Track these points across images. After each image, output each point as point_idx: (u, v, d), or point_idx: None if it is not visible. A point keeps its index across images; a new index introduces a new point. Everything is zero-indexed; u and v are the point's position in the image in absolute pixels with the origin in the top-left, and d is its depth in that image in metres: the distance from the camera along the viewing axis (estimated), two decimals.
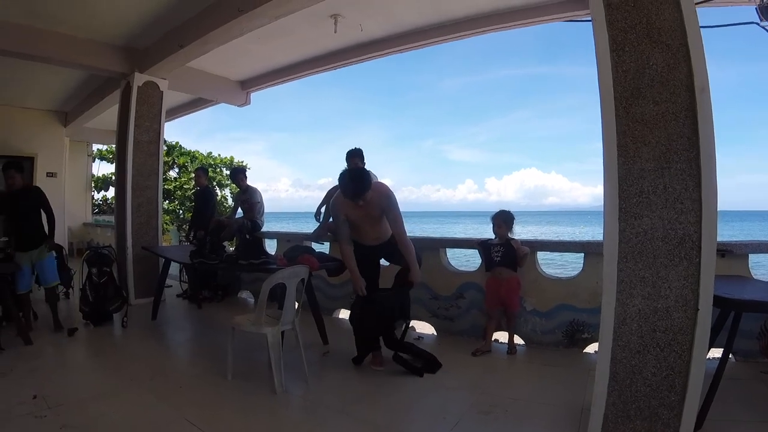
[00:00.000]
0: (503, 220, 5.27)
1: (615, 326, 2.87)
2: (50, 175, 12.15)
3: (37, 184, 11.40)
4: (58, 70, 8.80)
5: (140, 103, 7.95)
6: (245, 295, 8.31)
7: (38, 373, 4.77)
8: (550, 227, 74.06)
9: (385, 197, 4.55)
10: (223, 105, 10.70)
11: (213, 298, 7.91)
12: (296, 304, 4.39)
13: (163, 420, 3.71)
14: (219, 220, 7.83)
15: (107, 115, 11.09)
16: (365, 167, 6.12)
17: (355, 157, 6.03)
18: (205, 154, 16.94)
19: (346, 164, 5.93)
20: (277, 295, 4.41)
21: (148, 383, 4.47)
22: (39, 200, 5.95)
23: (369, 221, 4.59)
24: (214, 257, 5.48)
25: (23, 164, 5.93)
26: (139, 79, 7.91)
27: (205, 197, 8.35)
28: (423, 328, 6.04)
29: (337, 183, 6.25)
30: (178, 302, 7.96)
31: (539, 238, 6.02)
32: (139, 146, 7.94)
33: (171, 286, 8.19)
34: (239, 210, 8.05)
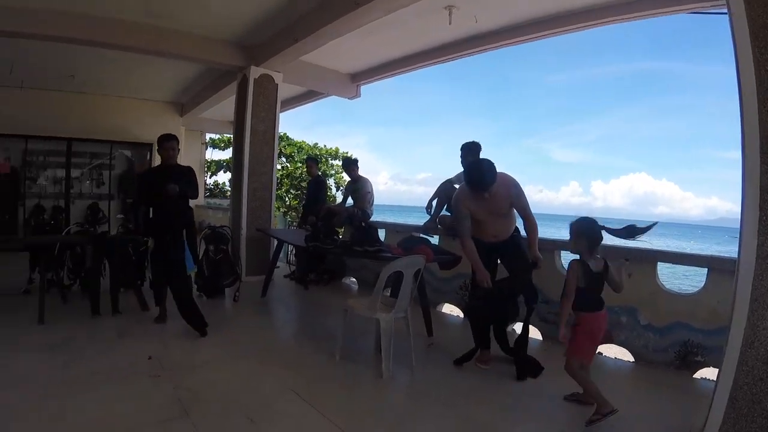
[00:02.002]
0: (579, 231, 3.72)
1: (742, 348, 2.68)
2: None
3: None
4: (176, 65, 9.47)
5: (256, 94, 8.35)
6: (349, 281, 8.52)
7: (153, 337, 5.20)
8: (660, 240, 69.74)
9: (513, 186, 4.44)
10: (325, 99, 11.14)
11: (319, 282, 8.16)
12: (411, 294, 4.43)
13: (270, 390, 3.93)
14: (329, 208, 8.06)
15: (221, 106, 12.03)
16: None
17: (470, 150, 5.93)
18: (311, 145, 17.34)
19: (460, 158, 5.92)
20: (391, 283, 4.46)
21: (257, 355, 4.75)
22: (191, 181, 5.67)
23: (492, 216, 4.46)
24: (328, 242, 5.63)
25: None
26: (255, 72, 8.30)
27: (318, 186, 8.72)
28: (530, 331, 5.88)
29: (446, 179, 6.39)
30: (285, 282, 8.31)
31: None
32: (256, 135, 8.37)
33: (279, 267, 8.45)
34: (349, 199, 8.26)
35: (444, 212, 6.47)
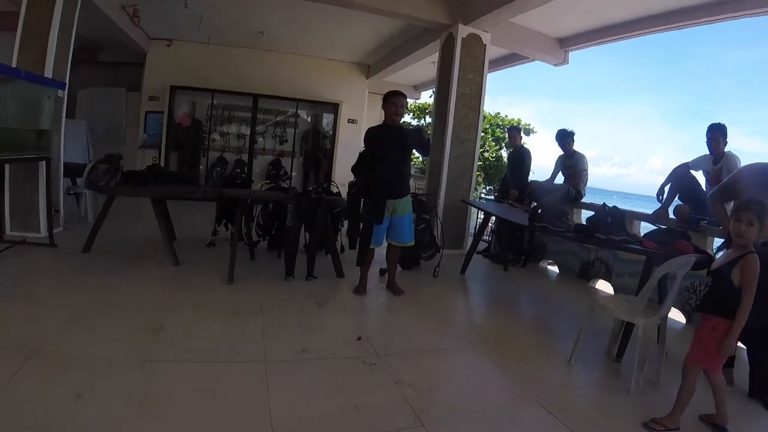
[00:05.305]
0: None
1: None
2: (351, 121, 12.81)
3: (339, 128, 12.45)
4: (368, 24, 9.26)
5: (464, 55, 7.69)
6: (546, 264, 7.81)
7: (357, 311, 4.76)
8: None
9: None
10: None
11: (516, 262, 7.52)
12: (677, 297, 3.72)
13: (508, 394, 3.33)
14: (541, 185, 7.40)
15: (410, 70, 11.86)
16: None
17: (722, 132, 5.25)
18: (492, 114, 16.45)
19: (707, 140, 5.29)
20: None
21: (479, 345, 4.15)
22: (418, 141, 5.15)
23: None
24: (559, 225, 4.84)
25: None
26: (462, 31, 7.62)
27: (521, 157, 7.98)
28: None
29: (682, 163, 5.72)
30: (479, 259, 7.59)
31: None
32: (462, 99, 7.75)
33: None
34: (559, 176, 7.51)
35: (677, 201, 5.69)
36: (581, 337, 3.83)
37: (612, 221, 4.41)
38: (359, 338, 3.90)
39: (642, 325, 3.51)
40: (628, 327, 3.97)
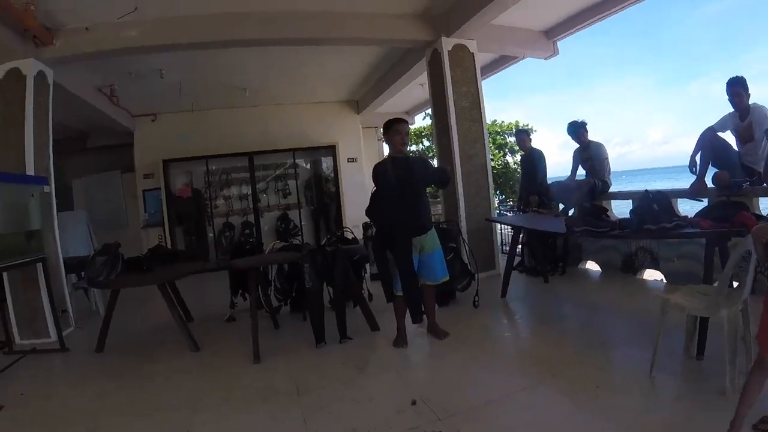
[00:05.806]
0: None
1: None
2: (351, 160, 12.58)
3: (340, 170, 12.13)
4: (349, 59, 9.33)
5: (453, 68, 7.38)
6: (586, 266, 7.38)
7: (399, 365, 4.26)
8: None
9: None
10: None
11: (555, 271, 7.03)
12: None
13: None
14: (559, 184, 7.14)
15: (396, 98, 11.78)
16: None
17: (735, 85, 4.98)
18: (489, 122, 16.22)
19: (729, 97, 5.01)
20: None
21: (549, 381, 3.60)
22: (437, 176, 4.72)
23: None
24: (601, 224, 4.35)
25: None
26: (447, 43, 7.34)
27: (534, 160, 7.58)
28: None
29: (708, 127, 5.28)
30: (515, 275, 6.87)
31: None
32: (461, 113, 7.38)
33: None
34: (579, 169, 7.16)
35: (712, 168, 5.31)
36: (659, 344, 3.38)
37: (659, 208, 3.96)
38: (414, 402, 3.37)
39: (726, 317, 3.10)
40: (704, 319, 3.54)
